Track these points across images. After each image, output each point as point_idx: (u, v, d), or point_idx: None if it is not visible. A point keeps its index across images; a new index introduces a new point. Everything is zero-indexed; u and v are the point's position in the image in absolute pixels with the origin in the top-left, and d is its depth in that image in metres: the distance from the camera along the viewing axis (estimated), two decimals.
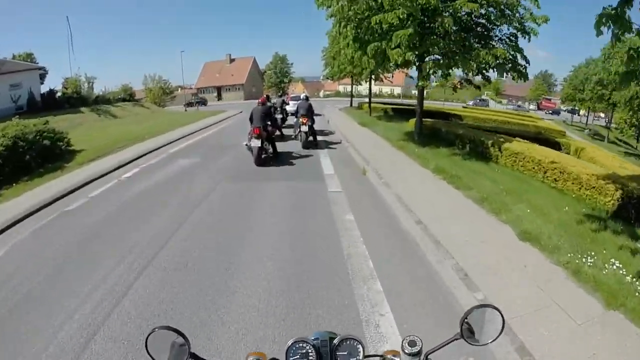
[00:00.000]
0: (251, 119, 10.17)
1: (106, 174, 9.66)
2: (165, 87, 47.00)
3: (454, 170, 8.90)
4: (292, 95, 26.10)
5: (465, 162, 10.36)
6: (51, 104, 26.50)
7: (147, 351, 1.09)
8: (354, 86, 34.38)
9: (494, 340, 1.19)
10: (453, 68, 10.67)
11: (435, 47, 10.01)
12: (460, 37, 10.15)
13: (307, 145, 12.30)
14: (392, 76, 23.61)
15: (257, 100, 14.63)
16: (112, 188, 8.47)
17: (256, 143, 9.57)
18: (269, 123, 10.41)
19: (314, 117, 13.02)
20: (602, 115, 54.82)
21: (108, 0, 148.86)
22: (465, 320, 1.18)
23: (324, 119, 22.62)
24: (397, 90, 66.06)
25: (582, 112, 55.40)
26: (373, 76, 22.69)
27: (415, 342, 1.18)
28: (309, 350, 1.19)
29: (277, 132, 14.68)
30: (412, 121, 16.73)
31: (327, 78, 34.13)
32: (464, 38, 10.19)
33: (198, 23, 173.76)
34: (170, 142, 14.61)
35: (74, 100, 28.76)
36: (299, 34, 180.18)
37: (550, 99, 70.21)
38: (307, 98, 13.46)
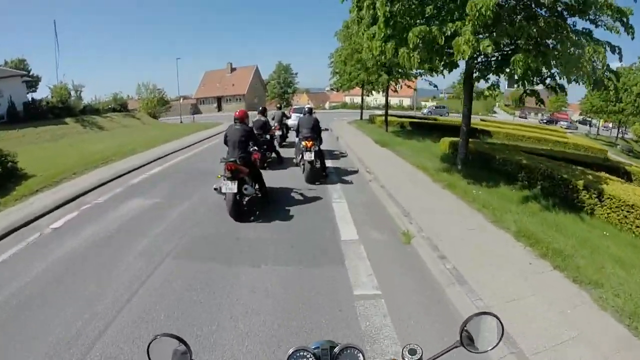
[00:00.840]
0: (227, 142, 6.80)
1: (36, 218, 6.73)
2: (160, 97, 43.77)
3: (548, 235, 5.45)
4: (295, 107, 22.58)
5: (550, 216, 6.84)
6: (34, 114, 24.22)
7: (148, 356, 1.09)
8: (364, 97, 30.89)
9: (493, 348, 1.19)
10: (544, 68, 7.17)
11: (522, 35, 6.41)
12: (554, 23, 6.60)
13: (312, 179, 8.84)
14: (401, 87, 20.05)
15: (254, 113, 11.49)
16: (21, 253, 5.40)
17: (230, 188, 6.12)
18: (255, 148, 7.05)
19: (321, 129, 9.71)
20: (610, 125, 51.75)
21: (100, 5, 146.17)
22: (465, 328, 1.18)
23: (332, 135, 19.14)
24: (406, 102, 62.71)
25: (599, 123, 52.23)
26: (391, 84, 19.17)
27: (415, 351, 1.18)
28: (310, 359, 1.17)
29: (270, 156, 11.29)
30: (445, 141, 13.25)
31: (334, 89, 30.85)
32: (557, 24, 6.62)
33: (198, 30, 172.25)
34: (139, 167, 11.24)
35: (58, 110, 26.40)
36: (303, 44, 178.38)
37: (565, 111, 67.41)
38: (310, 111, 10.00)
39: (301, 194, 7.97)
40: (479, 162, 10.44)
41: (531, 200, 7.59)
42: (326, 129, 10.67)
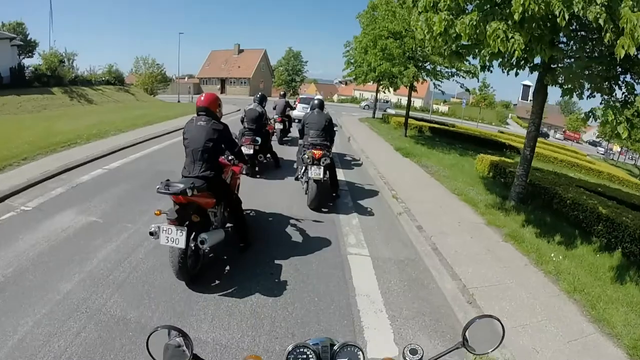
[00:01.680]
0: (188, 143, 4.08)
1: None
2: (158, 73, 40.95)
3: None
4: (302, 97, 19.77)
5: None
6: (20, 81, 22.53)
7: (148, 351, 1.06)
8: (378, 93, 28.06)
9: (493, 350, 1.20)
10: None
11: None
12: None
13: (318, 204, 6.22)
14: (422, 82, 17.37)
15: (252, 100, 8.50)
16: None
17: (174, 239, 3.47)
18: (231, 158, 4.62)
19: (334, 131, 7.29)
20: (619, 149, 49.13)
21: None
22: (467, 330, 1.18)
23: (343, 134, 16.49)
24: (417, 103, 59.57)
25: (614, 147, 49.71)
26: (418, 79, 16.37)
27: (416, 351, 1.17)
28: (310, 356, 1.14)
29: (265, 159, 8.62)
30: (484, 161, 10.62)
31: (345, 82, 28.11)
32: None
33: (206, 11, 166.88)
34: (98, 158, 8.61)
35: (46, 78, 24.44)
36: (314, 34, 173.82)
37: (578, 131, 64.86)
38: (322, 105, 7.03)
39: (300, 231, 5.36)
40: (534, 197, 7.73)
41: (631, 277, 4.91)
42: (335, 125, 7.96)
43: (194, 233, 3.74)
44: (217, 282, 3.93)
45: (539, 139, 8.34)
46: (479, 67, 7.60)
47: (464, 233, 5.66)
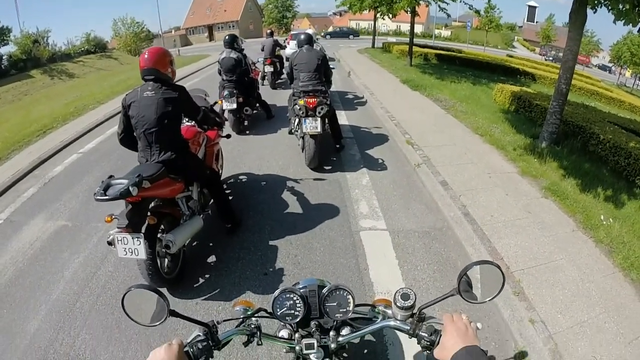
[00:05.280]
0: (134, 127, 3.04)
1: None
2: (140, 32, 38.37)
3: None
4: (293, 33, 17.91)
5: None
6: None
7: (125, 310, 1.02)
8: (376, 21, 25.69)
9: (492, 298, 1.09)
10: None
11: None
12: None
13: (318, 161, 5.23)
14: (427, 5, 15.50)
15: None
16: None
17: (134, 249, 2.64)
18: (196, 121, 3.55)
19: (330, 69, 6.00)
20: (628, 75, 46.13)
21: None
22: (463, 275, 1.07)
23: (342, 68, 14.96)
24: (418, 28, 55.78)
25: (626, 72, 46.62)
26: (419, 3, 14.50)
27: (408, 296, 1.11)
28: (297, 301, 1.14)
29: (253, 111, 7.47)
30: (504, 91, 9.39)
31: (342, 12, 25.65)
32: None
33: None
34: (73, 141, 7.44)
35: (22, 63, 22.82)
36: None
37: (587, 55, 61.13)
38: (310, 40, 5.62)
39: (300, 199, 4.45)
40: (567, 137, 6.60)
41: None
42: (332, 59, 6.68)
43: (160, 233, 2.91)
44: (201, 281, 3.17)
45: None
46: None
47: (496, 188, 4.65)
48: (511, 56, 30.18)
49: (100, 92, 12.94)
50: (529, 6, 65.55)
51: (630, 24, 5.12)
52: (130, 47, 36.00)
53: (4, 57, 22.69)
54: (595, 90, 16.68)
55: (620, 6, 4.99)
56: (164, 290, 2.87)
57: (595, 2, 5.35)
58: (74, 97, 12.97)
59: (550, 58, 49.01)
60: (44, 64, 23.57)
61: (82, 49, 27.70)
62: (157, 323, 1.03)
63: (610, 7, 5.21)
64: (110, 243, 2.70)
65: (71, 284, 3.26)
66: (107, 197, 2.50)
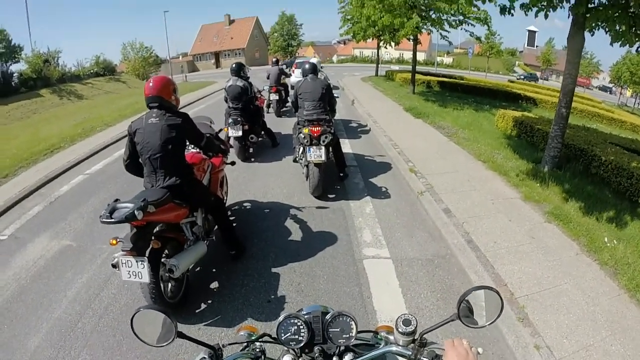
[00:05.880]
0: (139, 153, 3.17)
1: None
2: (148, 56, 39.36)
3: None
4: (298, 61, 18.35)
5: None
6: (4, 89, 21.10)
7: (133, 331, 1.05)
8: (379, 50, 26.28)
9: (491, 323, 1.12)
10: None
11: None
12: None
13: (322, 190, 5.28)
14: (428, 33, 15.93)
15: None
16: None
17: (138, 273, 2.73)
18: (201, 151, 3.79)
19: (335, 98, 6.10)
20: (628, 94, 46.41)
21: None
22: (463, 301, 1.10)
23: (346, 96, 15.24)
24: (420, 56, 56.90)
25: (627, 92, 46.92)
26: (421, 31, 14.89)
27: (409, 321, 1.14)
28: (301, 327, 1.16)
29: (258, 139, 7.66)
30: (506, 117, 9.52)
31: (346, 40, 26.35)
32: None
33: None
34: (81, 161, 7.67)
35: (32, 81, 23.04)
36: None
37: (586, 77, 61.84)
38: (315, 70, 5.76)
39: (303, 227, 4.48)
40: (569, 160, 6.63)
41: None
42: (336, 87, 6.84)
43: (163, 257, 2.95)
44: (203, 306, 3.19)
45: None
46: (498, 9, 6.42)
47: (500, 214, 4.69)
48: (512, 82, 30.57)
49: (108, 114, 13.22)
50: (529, 31, 66.74)
51: (627, 45, 5.28)
52: (139, 72, 36.64)
53: (14, 75, 23.15)
54: (597, 112, 16.85)
55: (617, 27, 5.14)
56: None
57: (593, 24, 5.50)
58: (82, 118, 13.27)
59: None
60: (53, 83, 24.00)
61: (92, 71, 28.32)
62: (165, 344, 1.06)
63: (607, 30, 5.37)
64: (114, 266, 2.76)
65: (74, 303, 3.29)
66: (112, 220, 2.56)
